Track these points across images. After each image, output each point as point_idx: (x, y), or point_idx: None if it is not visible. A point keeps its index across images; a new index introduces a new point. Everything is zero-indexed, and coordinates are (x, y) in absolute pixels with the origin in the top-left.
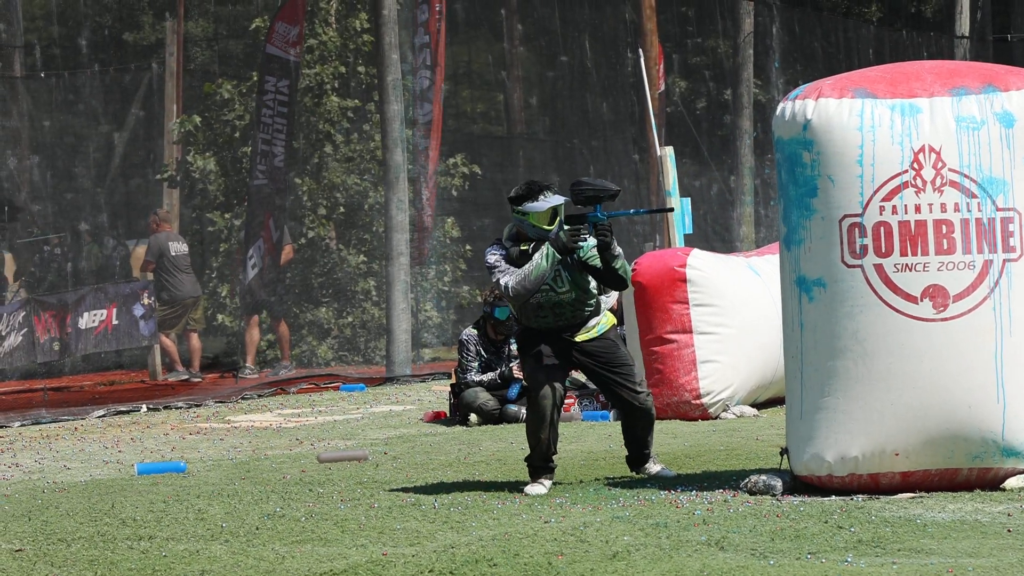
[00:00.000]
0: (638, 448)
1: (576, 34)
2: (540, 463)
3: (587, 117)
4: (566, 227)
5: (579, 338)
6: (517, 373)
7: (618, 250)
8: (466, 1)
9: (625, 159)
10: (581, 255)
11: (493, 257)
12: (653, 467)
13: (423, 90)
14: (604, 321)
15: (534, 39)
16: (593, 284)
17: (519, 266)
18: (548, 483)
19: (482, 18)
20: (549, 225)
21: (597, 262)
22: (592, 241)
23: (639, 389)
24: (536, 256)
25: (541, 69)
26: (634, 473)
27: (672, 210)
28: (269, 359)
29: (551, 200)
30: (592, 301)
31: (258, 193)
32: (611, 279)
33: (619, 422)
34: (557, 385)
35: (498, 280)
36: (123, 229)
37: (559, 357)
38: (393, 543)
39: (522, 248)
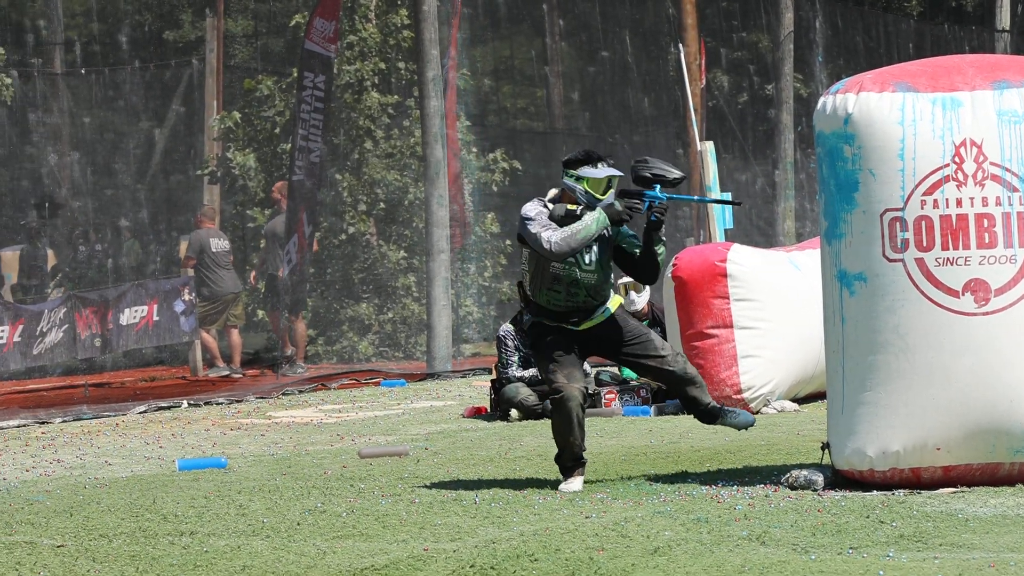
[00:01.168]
0: (695, 406)
1: (617, 29)
2: (571, 462)
3: (628, 112)
4: (624, 199)
5: (583, 327)
6: None
7: (664, 236)
8: None
9: (668, 154)
10: (621, 237)
11: (534, 211)
12: (732, 416)
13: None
14: (609, 304)
15: (575, 34)
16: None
17: (562, 225)
18: (581, 479)
19: (524, 13)
20: (602, 195)
21: (636, 249)
22: (627, 230)
23: (664, 353)
24: (586, 217)
25: (582, 64)
26: (711, 425)
27: (740, 203)
28: (310, 355)
29: (608, 171)
30: (606, 292)
31: (298, 189)
32: (647, 266)
33: (662, 416)
34: (577, 384)
35: (537, 233)
36: (163, 225)
37: (571, 350)
38: (434, 538)
39: (569, 208)
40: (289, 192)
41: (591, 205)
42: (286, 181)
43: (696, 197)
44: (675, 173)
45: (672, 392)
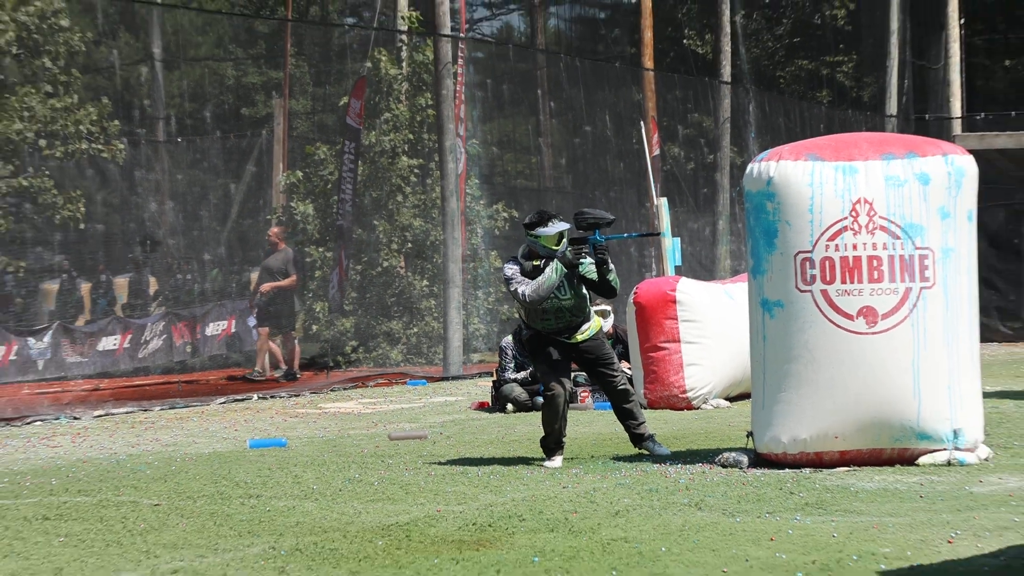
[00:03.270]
0: (628, 419)
1: (597, 110)
2: (554, 445)
3: (605, 174)
4: (570, 248)
5: (577, 338)
6: None
7: (611, 266)
8: (510, 85)
9: (636, 207)
10: (582, 270)
11: (511, 271)
12: (653, 446)
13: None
14: (594, 325)
15: (563, 113)
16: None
17: (533, 278)
18: (560, 458)
19: (522, 97)
20: (556, 246)
21: (593, 276)
22: (589, 260)
23: (615, 374)
24: (547, 270)
25: (569, 137)
26: (638, 449)
27: (659, 234)
28: (351, 360)
29: (558, 226)
30: (586, 309)
31: (342, 231)
32: (605, 289)
33: None
34: (566, 382)
35: (516, 289)
36: (239, 259)
37: (562, 356)
38: (445, 502)
39: (534, 264)
40: (336, 234)
41: (550, 256)
42: (282, 226)
43: (625, 235)
44: (608, 217)
45: (612, 402)
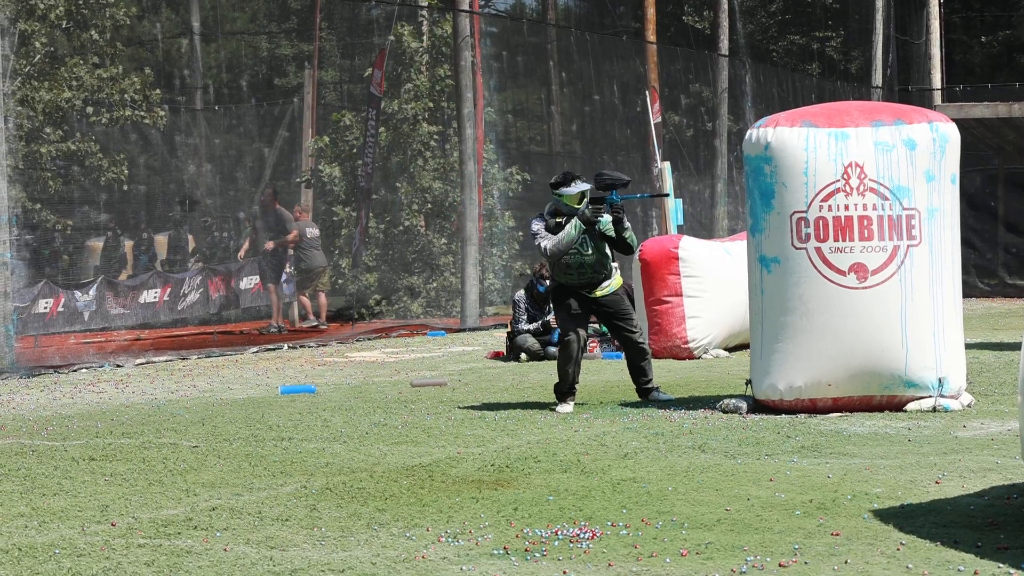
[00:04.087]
0: (639, 376)
1: (604, 80)
2: (567, 390)
3: (612, 140)
4: (590, 206)
5: (597, 294)
6: (554, 324)
7: (628, 224)
8: (524, 56)
9: (641, 170)
10: (601, 227)
11: (536, 226)
12: (657, 394)
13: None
14: (614, 282)
15: (573, 83)
16: (609, 252)
17: (555, 234)
18: (572, 403)
19: (535, 68)
20: (578, 204)
21: (611, 233)
22: (608, 217)
23: (634, 329)
24: (567, 226)
25: (578, 105)
26: (642, 398)
27: (666, 195)
28: (375, 312)
29: (580, 186)
30: (609, 265)
31: (363, 192)
32: (622, 246)
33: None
34: (581, 331)
35: (539, 243)
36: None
37: (582, 309)
38: (465, 445)
39: (557, 220)
40: (357, 195)
41: (571, 214)
42: (272, 190)
43: (637, 195)
44: (624, 179)
45: (627, 356)
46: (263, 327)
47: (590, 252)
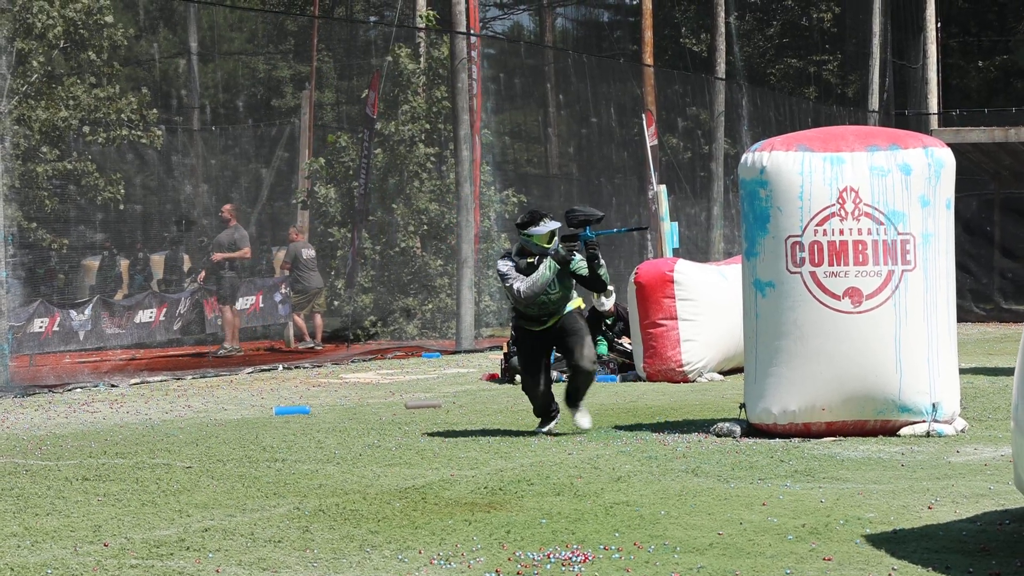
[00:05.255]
0: (573, 392)
1: (601, 103)
2: (541, 415)
3: (609, 162)
4: (563, 244)
5: (548, 324)
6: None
7: (602, 261)
8: (521, 78)
9: (637, 193)
10: (572, 267)
11: (505, 267)
12: (580, 416)
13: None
14: (571, 305)
15: (571, 106)
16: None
17: (527, 274)
18: (554, 423)
19: (532, 90)
20: (548, 244)
21: (585, 272)
22: (580, 257)
23: (584, 354)
24: (541, 267)
25: (575, 127)
26: (567, 406)
27: (645, 228)
28: (371, 334)
29: (549, 225)
30: (566, 303)
31: (354, 214)
32: (595, 283)
33: (624, 382)
34: (541, 379)
35: (511, 285)
36: (269, 239)
37: (538, 349)
38: (458, 467)
39: (528, 261)
40: (352, 215)
41: (543, 253)
42: (232, 204)
43: (615, 230)
44: (598, 214)
45: (570, 376)
46: (213, 350)
47: (556, 290)
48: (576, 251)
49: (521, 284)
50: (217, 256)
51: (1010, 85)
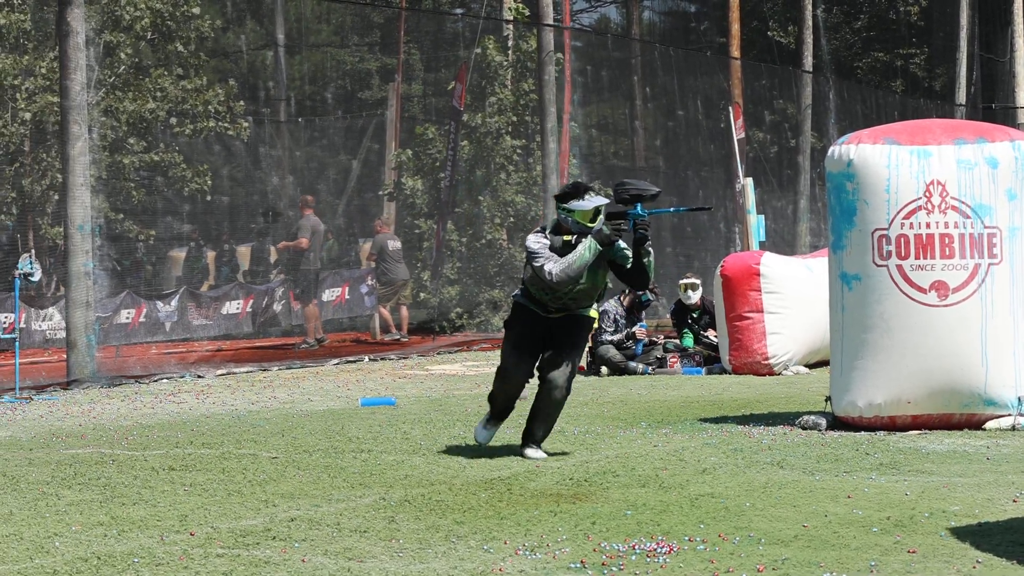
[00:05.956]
0: (535, 418)
1: (688, 96)
2: (499, 410)
3: (696, 155)
4: (608, 223)
5: (555, 315)
6: (639, 336)
7: (651, 248)
8: (609, 71)
9: (724, 186)
10: (614, 253)
11: (537, 244)
12: (532, 451)
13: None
14: (592, 311)
15: (657, 99)
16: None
17: (562, 255)
18: (495, 431)
19: (620, 83)
20: (591, 222)
21: (625, 260)
22: (623, 245)
23: (555, 372)
24: (580, 247)
25: (662, 120)
26: (523, 441)
27: (708, 208)
28: (457, 326)
29: (595, 200)
30: (594, 298)
31: (443, 203)
32: (638, 274)
33: (710, 375)
34: (523, 374)
35: (541, 265)
36: (357, 230)
37: (535, 338)
38: (544, 459)
39: (565, 239)
40: (439, 207)
41: (583, 233)
42: (310, 195)
43: (671, 209)
44: (652, 190)
45: (536, 396)
46: (298, 342)
47: (585, 282)
48: (623, 230)
49: (554, 266)
50: (282, 245)
51: None
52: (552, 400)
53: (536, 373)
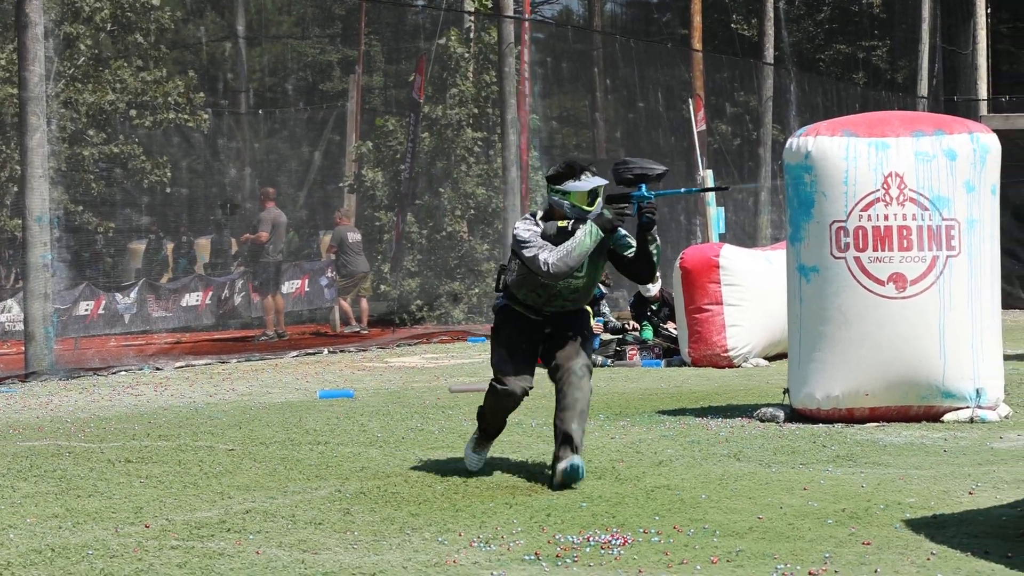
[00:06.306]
0: (566, 419)
1: (649, 88)
2: (493, 432)
3: (657, 147)
4: (609, 207)
5: (548, 313)
6: (597, 329)
7: (656, 235)
8: (569, 63)
9: (685, 178)
10: (614, 241)
11: (527, 232)
12: (571, 460)
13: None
14: (586, 307)
15: (618, 90)
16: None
17: (556, 243)
18: (485, 454)
19: (580, 75)
20: (589, 206)
21: (627, 250)
22: (625, 232)
23: (577, 361)
24: (579, 233)
25: (624, 112)
26: (560, 450)
27: (727, 188)
28: (417, 318)
29: (593, 181)
30: (587, 298)
31: (398, 198)
32: (643, 266)
33: (670, 367)
34: (523, 383)
35: (535, 255)
36: (318, 222)
37: (530, 343)
38: (501, 451)
39: (560, 225)
40: (399, 198)
41: (581, 218)
42: (271, 187)
43: (683, 189)
44: (657, 168)
45: (558, 396)
46: (258, 334)
47: (582, 275)
48: (627, 214)
49: (550, 255)
50: (243, 238)
51: None
52: (581, 389)
53: (549, 375)
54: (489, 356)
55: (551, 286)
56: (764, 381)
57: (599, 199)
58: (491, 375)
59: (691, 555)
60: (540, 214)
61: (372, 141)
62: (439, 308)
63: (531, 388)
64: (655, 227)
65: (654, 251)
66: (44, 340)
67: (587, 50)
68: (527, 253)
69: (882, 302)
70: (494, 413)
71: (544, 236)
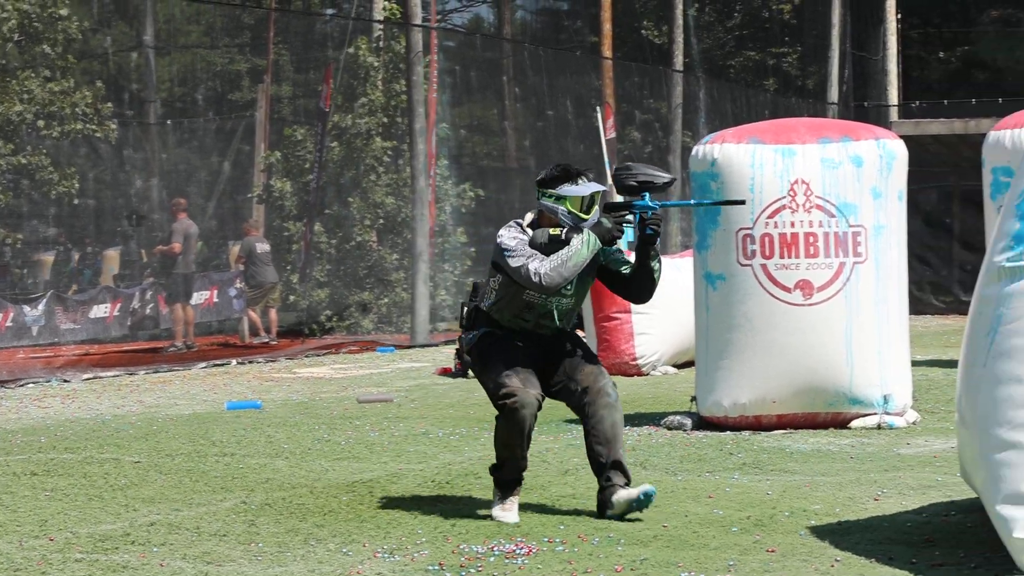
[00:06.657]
0: (608, 458)
1: (559, 96)
2: (511, 477)
3: (566, 155)
4: (608, 215)
5: (558, 324)
6: None
7: (659, 250)
8: (478, 72)
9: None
10: (606, 255)
11: (513, 240)
12: (627, 492)
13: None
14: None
15: (527, 99)
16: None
17: (547, 252)
18: (517, 502)
19: (488, 83)
20: (585, 214)
21: (623, 267)
22: (625, 235)
23: (606, 382)
24: (575, 241)
25: (532, 120)
26: (607, 498)
27: (743, 202)
28: (327, 328)
29: (591, 186)
30: (575, 318)
31: (311, 205)
32: (643, 285)
33: None
34: (534, 391)
35: (523, 266)
36: (228, 233)
37: (528, 355)
38: (407, 461)
39: (552, 233)
40: (307, 208)
41: (576, 227)
42: (182, 198)
43: (693, 201)
44: (663, 177)
45: (589, 425)
46: (167, 346)
47: (569, 292)
48: (628, 223)
49: (540, 264)
50: (156, 250)
51: (971, 77)
52: (619, 411)
53: (567, 401)
54: (484, 388)
55: (538, 308)
56: (672, 389)
57: (596, 207)
58: (391, 395)
59: (595, 564)
60: (527, 220)
61: (281, 151)
62: (348, 318)
63: (544, 398)
64: (659, 239)
65: (656, 270)
66: None
67: (497, 58)
68: (513, 263)
69: (789, 309)
70: (509, 444)
71: (533, 244)
